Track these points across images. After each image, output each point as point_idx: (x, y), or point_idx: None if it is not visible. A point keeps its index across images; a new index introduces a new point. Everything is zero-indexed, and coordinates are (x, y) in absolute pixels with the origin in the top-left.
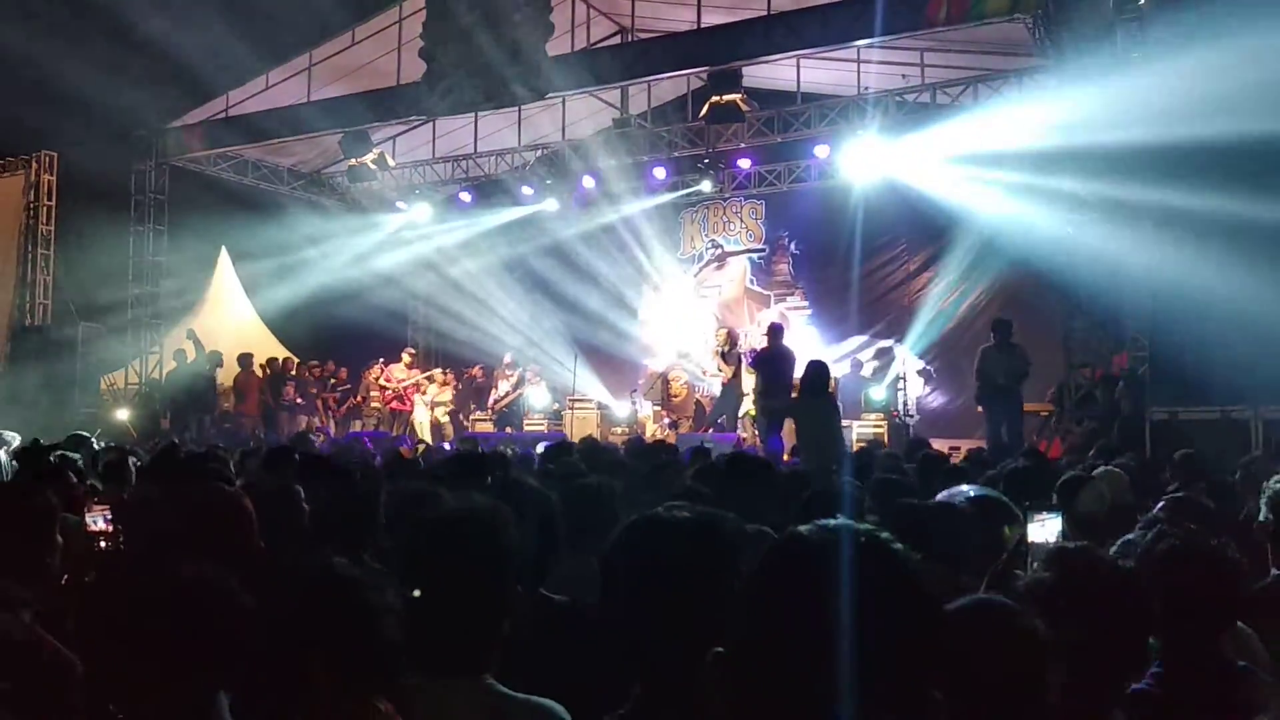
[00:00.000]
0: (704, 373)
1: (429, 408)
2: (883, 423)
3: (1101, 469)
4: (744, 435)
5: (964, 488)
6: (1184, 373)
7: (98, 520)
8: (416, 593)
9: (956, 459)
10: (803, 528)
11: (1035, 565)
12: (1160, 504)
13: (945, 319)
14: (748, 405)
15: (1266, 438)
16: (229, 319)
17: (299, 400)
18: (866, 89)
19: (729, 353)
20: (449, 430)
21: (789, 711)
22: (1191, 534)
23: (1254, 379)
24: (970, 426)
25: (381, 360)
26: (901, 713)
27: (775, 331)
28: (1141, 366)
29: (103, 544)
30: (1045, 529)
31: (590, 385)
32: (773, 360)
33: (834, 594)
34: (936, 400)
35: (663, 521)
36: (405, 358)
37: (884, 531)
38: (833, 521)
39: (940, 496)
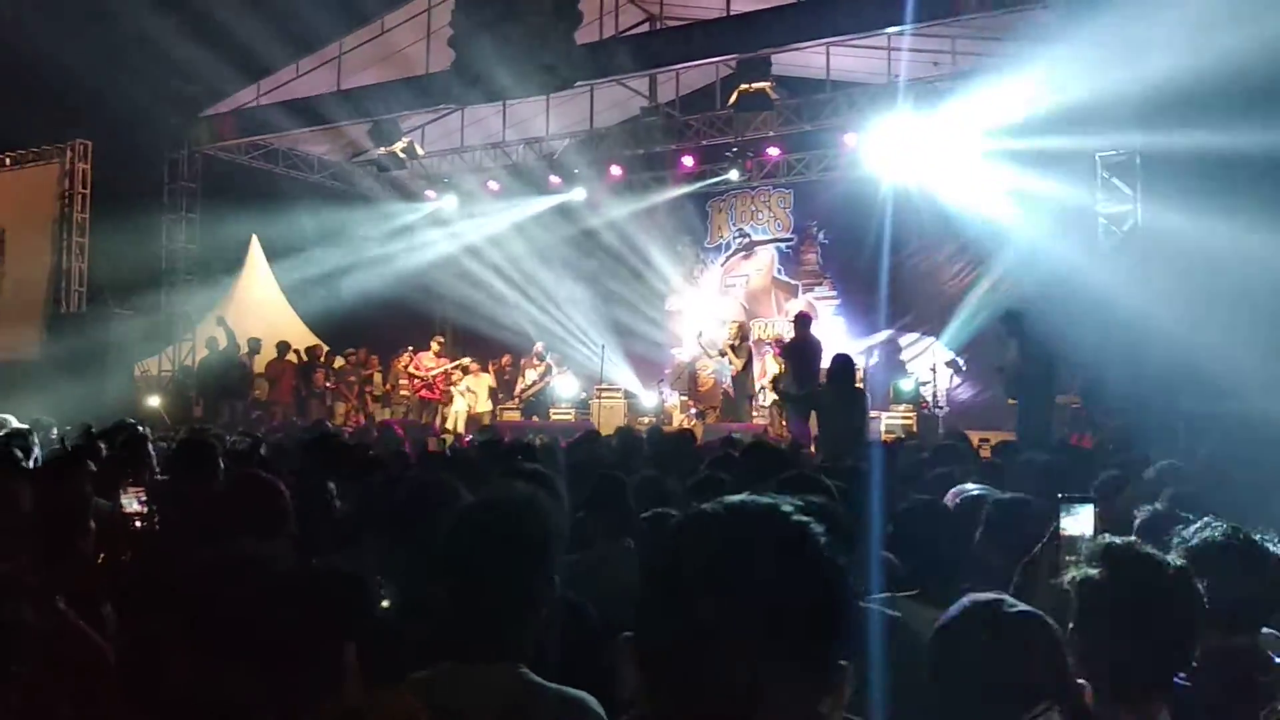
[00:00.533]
0: (699, 336)
1: (465, 396)
2: (911, 414)
3: (1163, 463)
4: (763, 422)
5: (969, 486)
6: (1213, 366)
7: (132, 502)
8: (385, 603)
9: (985, 451)
10: (705, 505)
11: (1071, 559)
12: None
13: (980, 312)
14: (773, 395)
15: None
16: (260, 306)
17: (328, 386)
18: (896, 76)
19: (739, 345)
20: (487, 420)
21: (697, 689)
22: (1234, 528)
23: None
24: (1001, 418)
25: (410, 349)
26: (811, 681)
27: (803, 321)
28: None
29: (138, 524)
30: (1079, 521)
31: (619, 374)
32: (801, 349)
33: (731, 567)
34: (966, 392)
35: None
36: (434, 346)
37: (788, 504)
38: (736, 497)
39: (950, 494)
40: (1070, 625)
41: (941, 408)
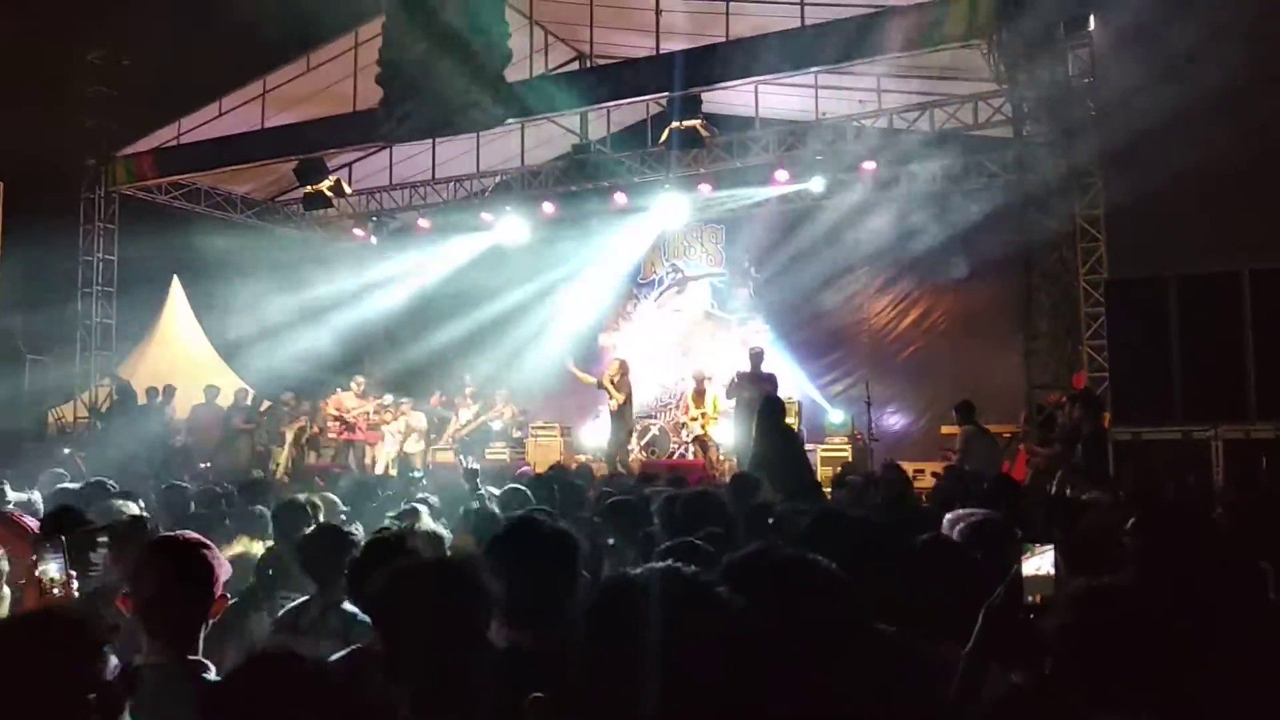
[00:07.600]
0: (568, 360)
1: (396, 437)
2: (846, 446)
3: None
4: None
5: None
6: (1147, 391)
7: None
8: None
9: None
10: (633, 571)
11: (1034, 599)
12: None
13: (904, 343)
14: (696, 429)
15: (1227, 458)
16: (182, 349)
17: (244, 427)
18: (824, 114)
19: (620, 380)
20: (419, 461)
21: None
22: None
23: (1214, 396)
24: (932, 449)
25: (339, 389)
26: None
27: (757, 357)
28: (1101, 386)
29: (56, 592)
30: (1037, 561)
31: (554, 410)
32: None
33: (650, 630)
34: (899, 423)
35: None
36: (353, 387)
37: (692, 569)
38: (659, 564)
39: (947, 519)
40: None
41: (876, 440)
